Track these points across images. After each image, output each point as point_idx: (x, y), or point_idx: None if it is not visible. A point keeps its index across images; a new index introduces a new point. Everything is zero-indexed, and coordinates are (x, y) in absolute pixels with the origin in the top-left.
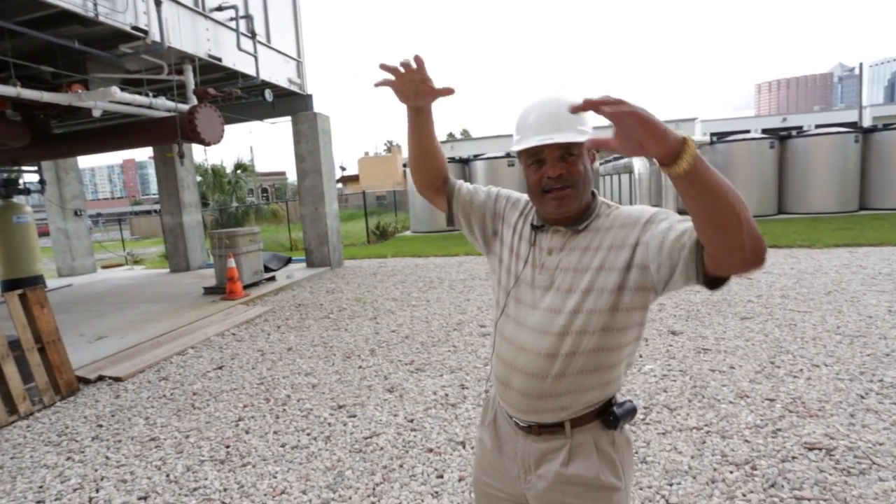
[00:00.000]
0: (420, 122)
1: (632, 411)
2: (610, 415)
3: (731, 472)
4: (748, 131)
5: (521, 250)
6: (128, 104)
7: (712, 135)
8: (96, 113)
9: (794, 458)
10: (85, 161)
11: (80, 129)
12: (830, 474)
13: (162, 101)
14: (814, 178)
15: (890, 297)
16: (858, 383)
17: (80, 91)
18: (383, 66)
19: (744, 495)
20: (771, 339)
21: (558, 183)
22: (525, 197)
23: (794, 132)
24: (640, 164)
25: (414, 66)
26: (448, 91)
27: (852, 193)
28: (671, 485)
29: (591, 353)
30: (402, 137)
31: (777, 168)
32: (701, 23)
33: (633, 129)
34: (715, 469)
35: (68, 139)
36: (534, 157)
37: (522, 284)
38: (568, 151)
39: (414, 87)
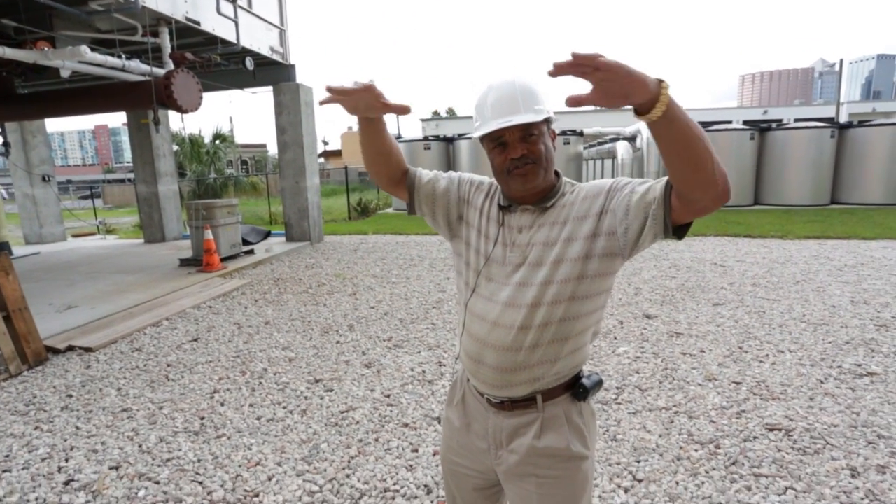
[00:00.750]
0: (372, 130)
1: (599, 383)
2: (580, 387)
3: (696, 451)
4: (730, 122)
5: (490, 231)
6: (99, 66)
7: None
8: (65, 73)
9: (755, 437)
10: (53, 124)
11: (48, 90)
12: (788, 453)
13: (136, 65)
14: (790, 170)
15: (853, 289)
16: (819, 369)
17: (46, 49)
18: (330, 89)
19: (706, 472)
20: (740, 325)
21: (521, 162)
22: (488, 179)
23: (773, 125)
24: (622, 149)
25: (366, 84)
26: (404, 109)
27: (825, 187)
28: (639, 461)
29: (561, 322)
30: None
31: (756, 159)
32: (689, 12)
33: (618, 81)
34: (681, 447)
35: (34, 100)
36: (496, 141)
37: (493, 263)
38: (528, 132)
39: (365, 103)
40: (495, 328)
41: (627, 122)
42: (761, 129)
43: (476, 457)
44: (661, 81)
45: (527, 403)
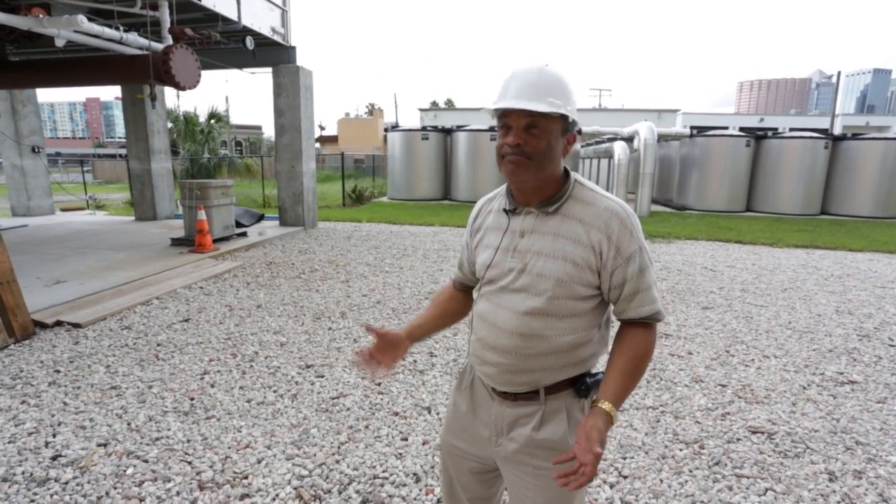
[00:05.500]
0: (430, 332)
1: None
2: (582, 384)
3: (681, 450)
4: (726, 128)
5: (492, 240)
6: (96, 36)
7: (692, 128)
8: (59, 42)
9: (738, 439)
10: (44, 95)
11: (41, 59)
12: (769, 456)
13: (134, 38)
14: (783, 179)
15: (839, 298)
16: (802, 375)
17: (41, 16)
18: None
19: (690, 471)
20: (728, 330)
21: (515, 151)
22: (484, 197)
23: (769, 133)
24: (619, 149)
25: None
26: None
27: (816, 198)
28: (625, 458)
29: (562, 336)
30: (384, 101)
31: (750, 166)
32: (689, 16)
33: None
34: (666, 446)
35: (26, 68)
36: (503, 121)
37: (495, 269)
38: (533, 124)
39: (390, 354)
40: (496, 332)
41: (626, 122)
42: (757, 136)
43: (476, 442)
44: (610, 418)
45: (529, 395)
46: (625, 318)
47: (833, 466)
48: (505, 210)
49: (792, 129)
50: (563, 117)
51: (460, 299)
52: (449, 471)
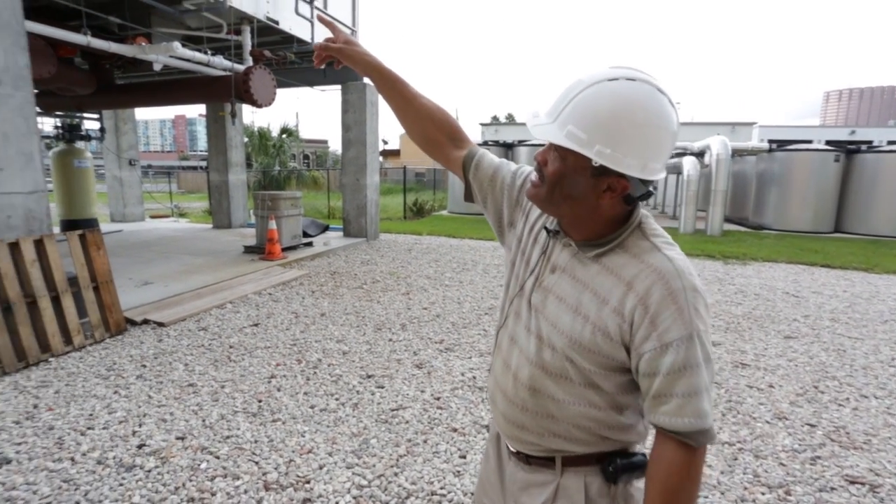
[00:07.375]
0: (382, 83)
1: (640, 466)
2: (610, 464)
3: (763, 494)
4: (811, 141)
5: (532, 257)
6: (187, 60)
7: (770, 142)
8: (157, 67)
9: (832, 488)
10: (140, 113)
11: (140, 82)
12: None
13: (219, 60)
14: (880, 197)
15: None
16: None
17: (143, 44)
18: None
19: None
20: (816, 363)
21: (536, 172)
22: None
23: (863, 146)
24: (689, 165)
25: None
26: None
27: None
28: (699, 498)
29: (578, 405)
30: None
31: (839, 183)
32: (766, 20)
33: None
34: (745, 488)
35: (129, 90)
36: None
37: (523, 298)
38: (555, 148)
39: (350, 52)
40: (507, 374)
41: (696, 136)
42: (848, 150)
43: (496, 497)
44: None
45: (544, 461)
46: (653, 423)
47: None
48: (546, 228)
49: (890, 143)
50: (596, 163)
51: (434, 131)
52: None
